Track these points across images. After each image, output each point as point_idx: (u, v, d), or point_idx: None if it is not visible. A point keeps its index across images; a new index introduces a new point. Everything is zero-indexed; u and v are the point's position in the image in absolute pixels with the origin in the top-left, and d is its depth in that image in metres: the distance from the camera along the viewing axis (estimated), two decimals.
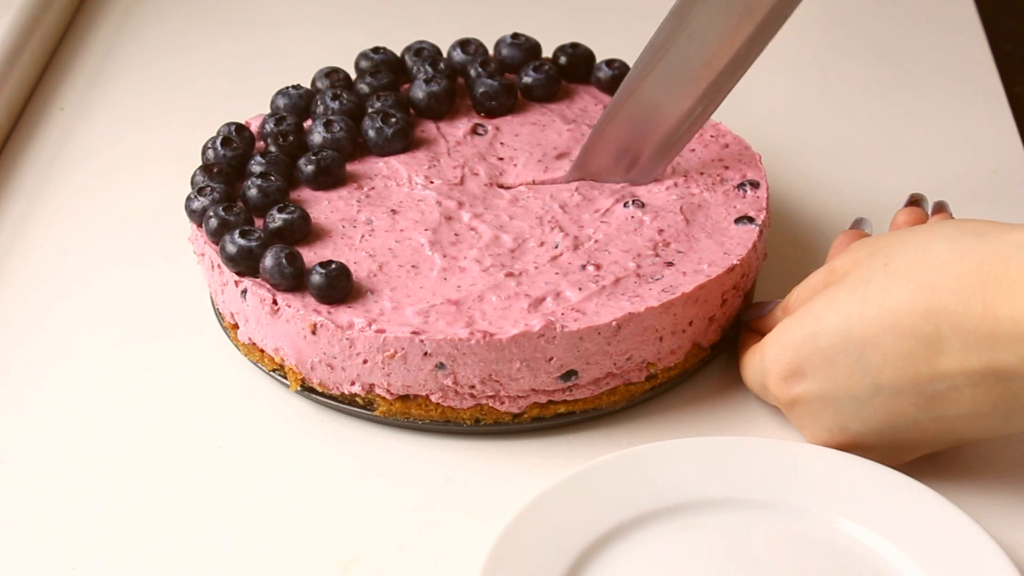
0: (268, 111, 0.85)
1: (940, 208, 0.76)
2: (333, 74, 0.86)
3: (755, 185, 0.79)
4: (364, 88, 0.85)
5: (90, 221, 0.89)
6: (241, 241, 0.74)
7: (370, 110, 0.83)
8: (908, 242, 0.66)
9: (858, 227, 0.77)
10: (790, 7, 0.74)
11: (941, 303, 0.63)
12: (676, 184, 0.80)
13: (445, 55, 0.88)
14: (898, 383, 0.65)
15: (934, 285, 0.63)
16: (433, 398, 0.72)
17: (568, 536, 0.67)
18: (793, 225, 0.87)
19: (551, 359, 0.72)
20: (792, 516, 0.68)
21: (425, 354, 0.71)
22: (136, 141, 0.96)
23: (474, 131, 0.84)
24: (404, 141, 0.82)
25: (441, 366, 0.71)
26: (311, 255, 0.75)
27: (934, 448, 0.69)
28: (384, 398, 0.73)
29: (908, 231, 0.67)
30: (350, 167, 0.81)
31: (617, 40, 0.89)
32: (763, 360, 0.71)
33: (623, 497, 0.68)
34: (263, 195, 0.77)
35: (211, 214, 0.75)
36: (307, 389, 0.74)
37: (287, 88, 0.85)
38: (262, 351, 0.75)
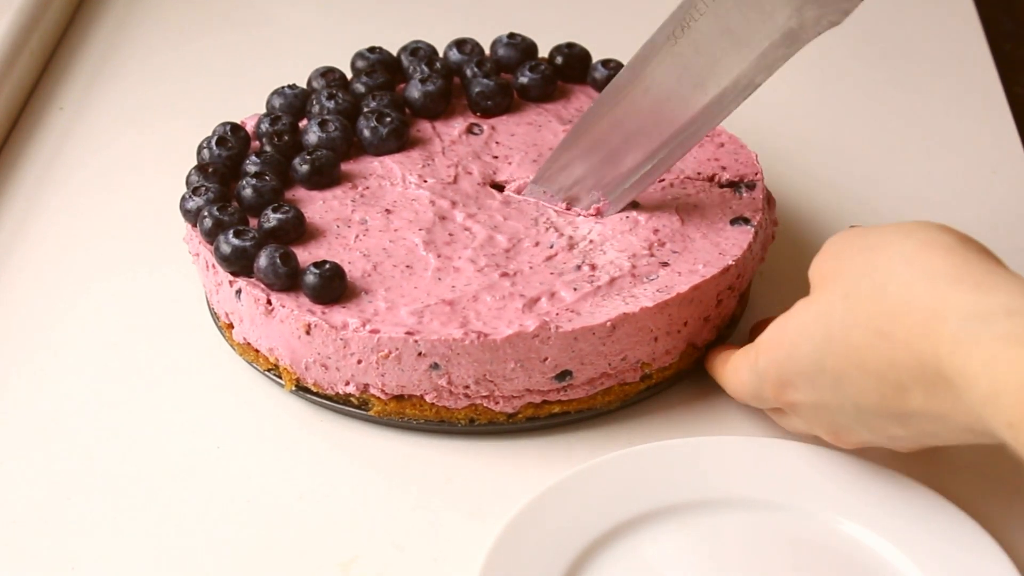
0: (264, 111, 0.85)
1: None
2: (329, 74, 0.86)
3: (751, 186, 0.79)
4: (360, 88, 0.85)
5: (89, 221, 0.89)
6: (235, 241, 0.73)
7: (365, 110, 0.83)
8: (867, 273, 0.64)
9: None
10: (749, 89, 0.72)
11: (899, 356, 0.61)
12: (672, 184, 0.80)
13: (441, 55, 0.88)
14: (875, 410, 0.64)
15: (890, 335, 0.61)
16: (427, 398, 0.72)
17: (567, 536, 0.67)
18: (792, 225, 0.86)
19: (546, 359, 0.71)
20: (792, 516, 0.68)
21: (419, 354, 0.71)
22: (135, 141, 0.96)
23: (470, 131, 0.84)
24: (399, 141, 0.82)
25: (435, 366, 0.71)
26: (305, 255, 0.75)
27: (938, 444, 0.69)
28: (379, 398, 0.73)
29: (871, 251, 0.65)
30: (345, 167, 0.81)
31: (613, 40, 0.89)
32: (757, 366, 0.70)
33: (622, 497, 0.68)
34: (258, 195, 0.77)
35: (205, 214, 0.75)
36: (302, 389, 0.74)
37: (283, 88, 0.85)
38: (257, 351, 0.75)
